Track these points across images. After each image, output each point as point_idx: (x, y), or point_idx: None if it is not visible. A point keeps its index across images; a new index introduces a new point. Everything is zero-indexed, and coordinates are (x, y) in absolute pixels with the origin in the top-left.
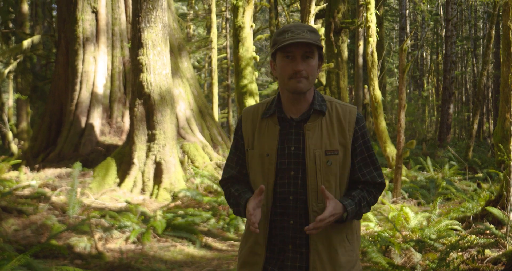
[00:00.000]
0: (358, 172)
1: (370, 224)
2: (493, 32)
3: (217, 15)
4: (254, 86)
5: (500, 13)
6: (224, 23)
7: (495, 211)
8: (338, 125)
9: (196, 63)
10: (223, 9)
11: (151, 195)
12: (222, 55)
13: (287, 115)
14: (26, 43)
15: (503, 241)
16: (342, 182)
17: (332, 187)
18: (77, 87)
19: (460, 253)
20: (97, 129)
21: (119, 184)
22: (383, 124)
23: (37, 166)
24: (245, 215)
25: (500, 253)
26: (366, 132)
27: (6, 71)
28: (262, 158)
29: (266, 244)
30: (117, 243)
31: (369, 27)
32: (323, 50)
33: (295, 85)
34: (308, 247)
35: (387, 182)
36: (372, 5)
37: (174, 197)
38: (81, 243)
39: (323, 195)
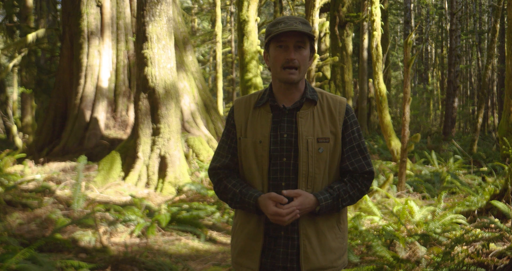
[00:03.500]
0: (347, 160)
1: (374, 218)
2: (498, 26)
3: (221, 9)
4: (258, 80)
5: (505, 7)
6: (228, 17)
7: (500, 204)
8: (329, 115)
9: (201, 57)
10: (228, 3)
11: (156, 188)
12: (226, 49)
13: (279, 104)
14: (30, 37)
15: (508, 235)
16: (331, 169)
17: (321, 173)
18: (82, 81)
19: (465, 247)
20: (102, 123)
21: (124, 178)
22: (387, 118)
23: (41, 159)
24: (254, 211)
25: (505, 247)
26: (356, 122)
27: (11, 65)
28: (255, 144)
29: (264, 230)
30: (122, 236)
31: (373, 21)
32: (328, 43)
33: (287, 76)
34: (299, 232)
35: (391, 176)
36: None
37: (179, 190)
38: (86, 237)
39: (292, 195)
